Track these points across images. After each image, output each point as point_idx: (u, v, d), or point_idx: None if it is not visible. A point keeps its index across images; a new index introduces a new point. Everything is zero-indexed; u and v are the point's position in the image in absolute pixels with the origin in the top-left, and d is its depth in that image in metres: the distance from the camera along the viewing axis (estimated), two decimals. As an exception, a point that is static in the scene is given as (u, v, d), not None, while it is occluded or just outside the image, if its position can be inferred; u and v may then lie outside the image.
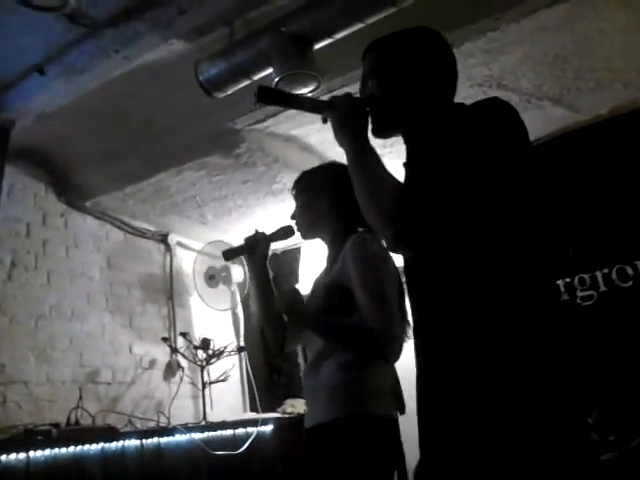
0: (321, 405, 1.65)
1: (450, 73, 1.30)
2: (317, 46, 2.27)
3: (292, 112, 2.94)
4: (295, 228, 1.93)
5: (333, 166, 1.92)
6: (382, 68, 1.29)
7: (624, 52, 2.70)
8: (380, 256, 1.67)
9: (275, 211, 3.98)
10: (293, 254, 4.44)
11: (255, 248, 1.93)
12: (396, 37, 1.33)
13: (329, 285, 1.76)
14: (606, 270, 3.10)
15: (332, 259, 1.81)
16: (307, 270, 3.78)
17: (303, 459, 1.62)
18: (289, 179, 3.62)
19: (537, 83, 2.90)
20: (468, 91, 2.88)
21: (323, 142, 3.25)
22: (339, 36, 2.23)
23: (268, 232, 1.99)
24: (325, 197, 1.81)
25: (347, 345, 1.66)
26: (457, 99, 1.31)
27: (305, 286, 2.94)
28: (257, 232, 1.98)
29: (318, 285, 1.89)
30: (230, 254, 2.02)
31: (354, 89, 2.68)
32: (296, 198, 1.92)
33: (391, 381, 1.72)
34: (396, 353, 1.61)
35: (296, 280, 3.93)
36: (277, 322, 1.92)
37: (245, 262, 1.91)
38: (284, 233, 1.96)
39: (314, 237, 1.92)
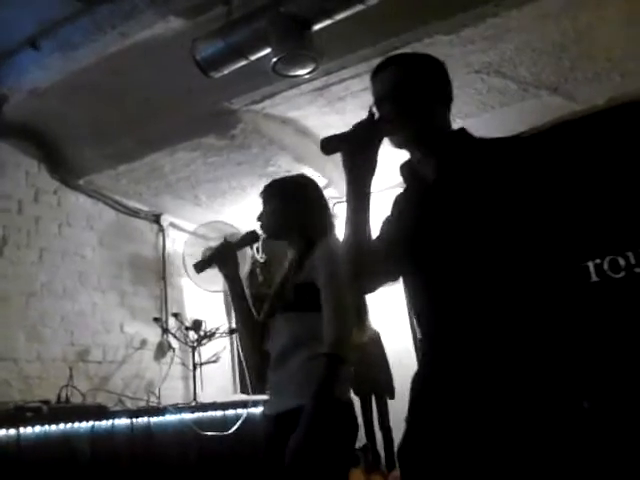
0: (290, 393, 1.74)
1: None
2: (316, 27, 2.24)
3: (289, 93, 2.91)
4: (260, 229, 2.01)
5: (304, 178, 2.06)
6: (407, 86, 1.29)
7: (625, 42, 2.69)
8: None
9: (269, 194, 3.95)
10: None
11: (225, 258, 1.98)
12: (415, 58, 1.35)
13: (300, 284, 1.87)
14: (598, 261, 3.11)
15: (297, 261, 1.92)
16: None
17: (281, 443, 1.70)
18: (284, 162, 3.61)
19: (535, 71, 2.89)
20: (465, 78, 2.86)
21: (319, 125, 3.23)
22: (339, 17, 2.19)
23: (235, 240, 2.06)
24: (294, 206, 1.93)
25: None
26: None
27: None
28: (225, 242, 2.03)
29: (283, 283, 1.98)
30: (202, 266, 2.03)
31: (352, 72, 2.68)
32: (266, 203, 2.00)
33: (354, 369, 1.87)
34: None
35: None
36: (252, 328, 1.99)
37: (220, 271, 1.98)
38: (250, 239, 2.03)
39: (279, 240, 2.03)
